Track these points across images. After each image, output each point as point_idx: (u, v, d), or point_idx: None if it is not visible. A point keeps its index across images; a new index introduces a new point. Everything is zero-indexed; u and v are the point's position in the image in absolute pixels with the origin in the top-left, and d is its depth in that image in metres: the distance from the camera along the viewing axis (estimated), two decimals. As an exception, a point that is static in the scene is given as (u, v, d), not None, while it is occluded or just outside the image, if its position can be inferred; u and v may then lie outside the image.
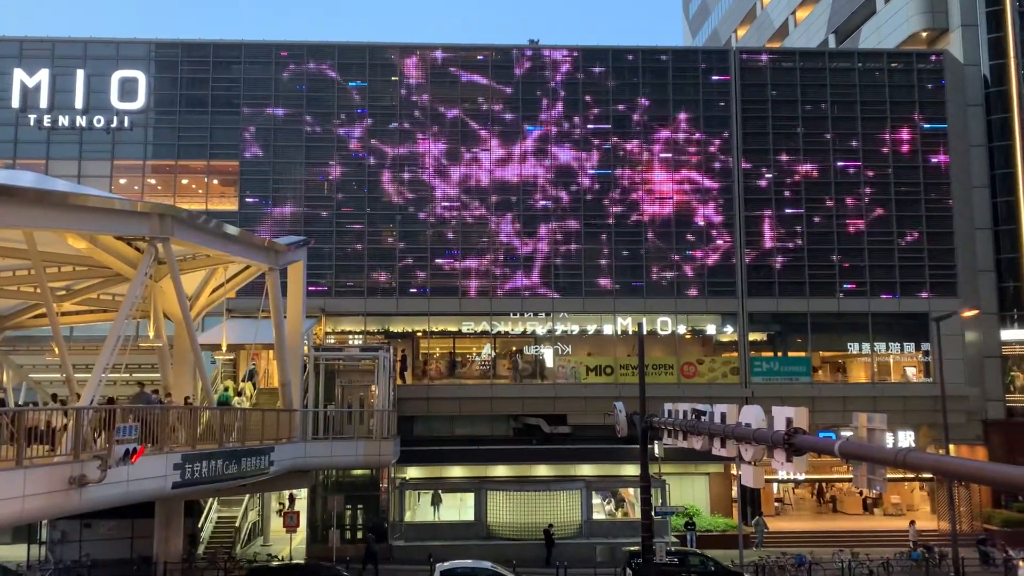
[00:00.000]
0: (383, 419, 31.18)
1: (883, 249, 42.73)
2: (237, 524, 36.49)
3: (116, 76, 41.86)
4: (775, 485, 43.50)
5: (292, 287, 29.85)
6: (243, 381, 32.78)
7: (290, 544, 34.57)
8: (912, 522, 38.68)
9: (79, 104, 41.58)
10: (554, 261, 42.08)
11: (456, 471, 39.99)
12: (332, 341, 40.83)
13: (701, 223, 42.60)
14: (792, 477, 41.08)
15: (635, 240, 42.34)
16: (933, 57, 44.61)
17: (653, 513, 25.20)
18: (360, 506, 37.55)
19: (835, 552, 34.21)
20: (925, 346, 42.42)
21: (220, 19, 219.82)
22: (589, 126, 42.98)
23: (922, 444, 40.93)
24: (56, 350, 26.98)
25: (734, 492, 39.72)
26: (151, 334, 27.24)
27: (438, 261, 41.93)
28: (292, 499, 38.36)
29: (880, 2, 50.59)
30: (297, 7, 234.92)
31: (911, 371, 43.78)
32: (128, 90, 41.89)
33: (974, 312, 40.64)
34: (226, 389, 31.34)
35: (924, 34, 47.22)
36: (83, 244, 22.04)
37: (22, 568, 29.93)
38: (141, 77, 41.97)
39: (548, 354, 41.91)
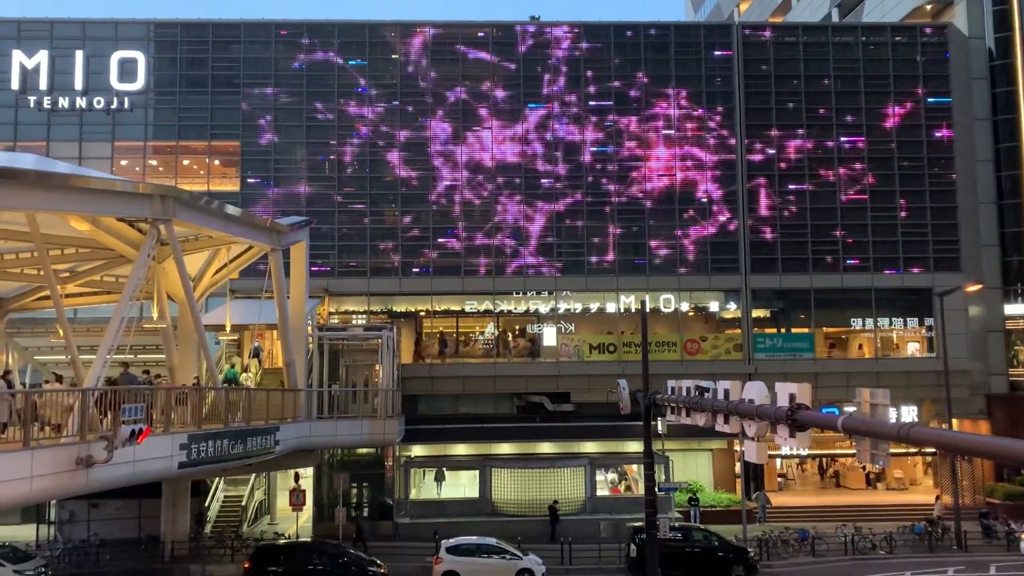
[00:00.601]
0: (387, 398, 31.28)
1: (886, 224, 42.59)
2: (244, 503, 36.78)
3: (115, 57, 41.66)
4: (778, 461, 43.68)
5: (295, 267, 29.86)
6: (249, 358, 32.90)
7: (296, 522, 34.84)
8: (937, 496, 38.55)
9: (79, 85, 41.41)
10: (556, 239, 42.02)
11: (460, 449, 40.23)
12: (336, 321, 40.91)
13: (703, 199, 42.49)
14: (796, 453, 41.26)
15: (637, 217, 42.25)
16: (934, 30, 44.22)
17: (657, 489, 25.33)
18: (365, 484, 37.81)
19: (838, 527, 34.43)
20: (928, 321, 42.39)
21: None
22: (591, 103, 42.76)
23: (925, 419, 41.03)
24: (60, 332, 27.04)
25: (737, 468, 39.92)
26: (155, 315, 27.27)
27: (440, 240, 41.91)
28: (298, 478, 38.61)
29: (884, -26, 50.13)
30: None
31: (914, 346, 43.81)
32: (128, 71, 41.70)
33: (978, 287, 40.66)
34: (232, 366, 31.51)
35: (928, 7, 46.83)
36: (85, 226, 22.04)
37: (31, 548, 30.21)
38: (140, 58, 41.75)
39: (551, 332, 41.95)
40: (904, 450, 40.11)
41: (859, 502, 40.64)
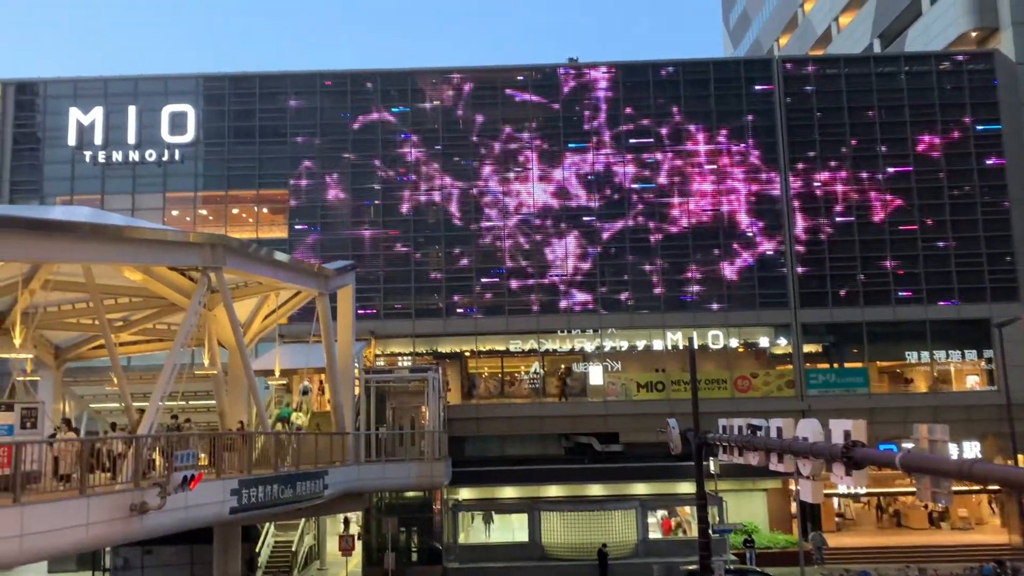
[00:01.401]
0: (434, 440, 31.22)
1: (938, 255, 41.71)
2: (294, 548, 36.79)
3: (166, 111, 43.02)
4: (835, 500, 42.47)
5: (342, 311, 30.16)
6: (300, 395, 33.19)
7: (346, 567, 34.71)
8: None
9: (132, 139, 42.79)
10: (600, 277, 41.90)
11: (508, 491, 39.86)
12: (382, 363, 41.13)
13: (748, 234, 42.10)
14: (853, 491, 40.07)
15: (682, 253, 41.97)
16: (980, 57, 43.59)
17: (710, 531, 24.78)
18: (414, 528, 37.59)
19: (901, 568, 33.27)
20: (988, 353, 41.19)
21: (254, 52, 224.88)
22: (631, 141, 42.86)
23: (988, 455, 39.62)
24: (115, 380, 27.59)
25: (793, 508, 38.89)
26: (206, 362, 27.72)
27: (484, 280, 42.07)
28: (347, 522, 38.59)
29: (926, 3, 49.68)
30: (324, 34, 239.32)
31: (973, 379, 42.52)
32: (178, 123, 42.99)
33: (1037, 316, 39.39)
34: (287, 405, 31.91)
35: (973, 34, 46.21)
36: (138, 276, 22.56)
37: (87, 595, 30.52)
38: (190, 111, 43.05)
39: (597, 371, 41.62)
40: (968, 488, 38.70)
41: (922, 542, 39.18)
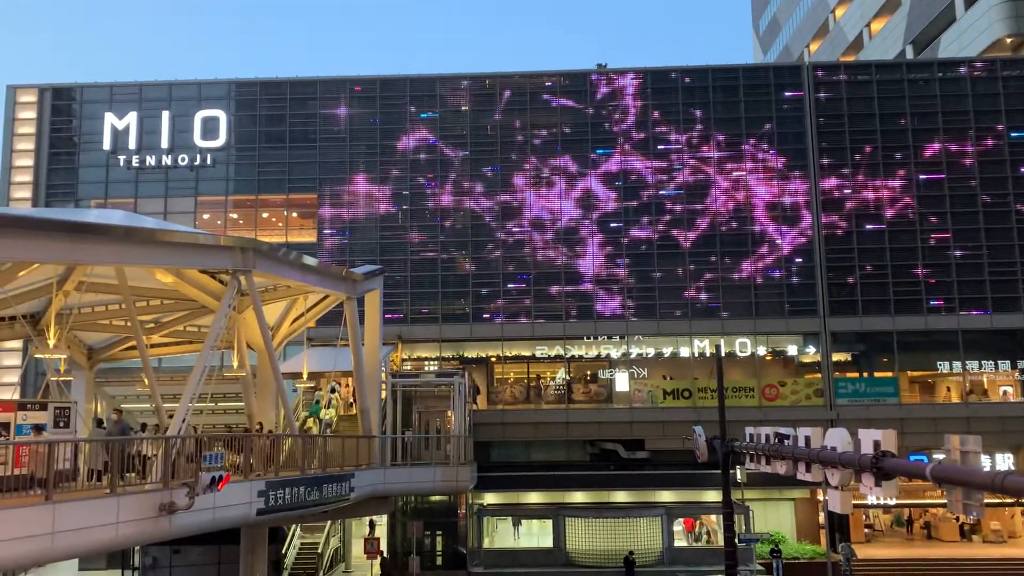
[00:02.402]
0: (459, 444, 31.27)
1: (971, 264, 41.11)
2: (319, 550, 37.01)
3: (199, 116, 43.60)
4: (866, 511, 41.92)
5: (369, 315, 30.33)
6: (329, 393, 33.44)
7: (371, 570, 34.84)
8: None
9: (165, 144, 43.40)
10: (627, 283, 41.78)
11: (533, 497, 39.79)
12: (408, 367, 41.30)
13: (779, 241, 41.78)
14: (882, 502, 39.54)
15: (711, 260, 41.75)
16: (1016, 63, 42.93)
17: (737, 540, 24.58)
18: (439, 532, 37.65)
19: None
20: (1022, 364, 40.49)
21: (277, 59, 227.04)
22: (659, 147, 42.73)
23: (1022, 467, 38.94)
24: (146, 381, 27.94)
25: (821, 518, 38.45)
26: (235, 364, 27.99)
27: (511, 286, 42.11)
28: (373, 526, 38.75)
29: (960, 9, 49.12)
30: (342, 44, 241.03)
31: (1007, 390, 41.81)
32: (210, 128, 43.55)
33: (1073, 327, 38.71)
34: (316, 402, 32.22)
35: (1008, 40, 45.60)
36: (170, 278, 22.86)
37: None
38: (222, 116, 43.60)
39: (623, 377, 41.48)
40: (1000, 500, 38.03)
41: (952, 555, 38.52)
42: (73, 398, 26.02)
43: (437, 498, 37.32)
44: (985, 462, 33.35)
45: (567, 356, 41.81)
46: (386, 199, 43.02)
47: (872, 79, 43.04)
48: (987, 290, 40.87)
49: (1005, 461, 38.32)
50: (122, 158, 43.36)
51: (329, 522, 36.66)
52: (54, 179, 43.79)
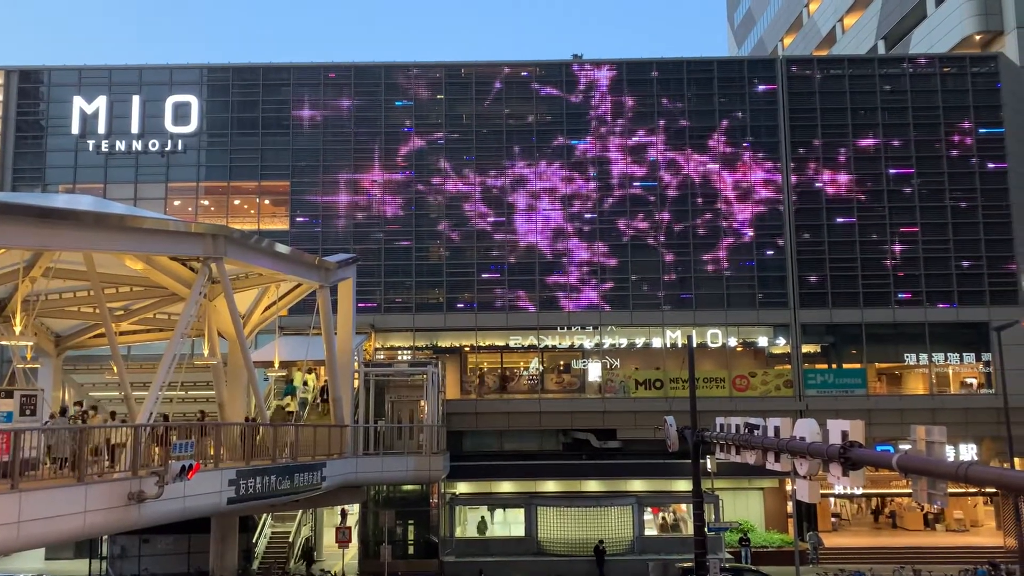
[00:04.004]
0: (432, 434, 31.30)
1: (939, 257, 41.70)
2: (291, 539, 36.89)
3: (170, 101, 42.98)
4: (832, 500, 42.54)
5: (342, 304, 30.20)
6: (305, 373, 33.28)
7: (342, 560, 34.79)
8: None
9: (135, 129, 42.75)
10: (601, 274, 41.92)
11: (506, 486, 39.94)
12: (382, 357, 41.17)
13: (751, 233, 42.10)
14: (849, 492, 40.15)
15: (683, 252, 41.98)
16: (984, 61, 43.54)
17: (706, 529, 24.85)
18: (411, 522, 37.66)
19: (895, 569, 33.33)
20: (986, 356, 41.23)
21: (264, 46, 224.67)
22: (635, 138, 42.84)
23: (985, 458, 39.70)
24: (115, 369, 27.65)
25: (789, 507, 38.97)
26: (206, 352, 27.76)
27: (485, 276, 42.08)
28: (345, 515, 38.68)
29: (931, 6, 49.66)
30: (331, 29, 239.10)
31: (971, 382, 42.56)
32: (182, 114, 42.96)
33: (1037, 320, 39.40)
34: (290, 382, 32.06)
35: (978, 37, 46.18)
36: (140, 265, 22.60)
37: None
38: (194, 101, 43.01)
39: (596, 368, 41.67)
40: (964, 490, 38.75)
41: (917, 543, 39.25)
42: (40, 386, 25.66)
43: (409, 487, 37.32)
44: (949, 452, 34.02)
45: (540, 346, 41.90)
46: (360, 187, 42.76)
47: (844, 74, 43.43)
48: (953, 284, 41.52)
49: (969, 451, 39.03)
50: (91, 143, 42.66)
51: (300, 511, 36.55)
52: (21, 163, 42.96)
